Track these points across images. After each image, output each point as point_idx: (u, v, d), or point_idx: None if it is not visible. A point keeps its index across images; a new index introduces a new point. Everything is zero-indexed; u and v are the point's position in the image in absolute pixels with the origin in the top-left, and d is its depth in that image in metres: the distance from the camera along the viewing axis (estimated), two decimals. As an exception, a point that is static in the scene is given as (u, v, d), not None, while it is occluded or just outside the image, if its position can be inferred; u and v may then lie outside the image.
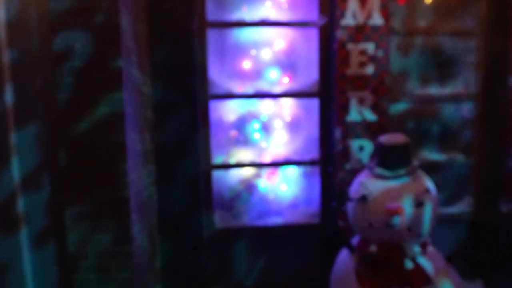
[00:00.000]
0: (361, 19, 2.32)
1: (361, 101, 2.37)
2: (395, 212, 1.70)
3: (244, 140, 2.57)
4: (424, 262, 1.81)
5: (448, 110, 2.65)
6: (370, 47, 2.34)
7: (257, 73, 2.53)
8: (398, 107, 2.56)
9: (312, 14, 2.45)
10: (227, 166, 2.51)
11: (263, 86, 2.50)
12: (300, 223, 2.53)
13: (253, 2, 2.46)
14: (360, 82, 2.36)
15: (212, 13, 2.40)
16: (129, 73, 1.72)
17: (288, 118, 2.61)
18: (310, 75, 2.51)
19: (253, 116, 2.58)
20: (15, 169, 1.64)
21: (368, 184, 1.85)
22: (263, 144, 2.58)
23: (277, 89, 2.50)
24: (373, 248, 1.84)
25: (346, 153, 2.39)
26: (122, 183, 1.61)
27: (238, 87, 2.49)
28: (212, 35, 2.43)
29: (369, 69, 2.36)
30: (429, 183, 1.88)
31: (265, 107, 2.58)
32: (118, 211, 1.63)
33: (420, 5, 2.53)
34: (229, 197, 2.58)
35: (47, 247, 1.71)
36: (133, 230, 1.69)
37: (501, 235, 2.58)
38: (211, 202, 2.47)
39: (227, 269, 2.50)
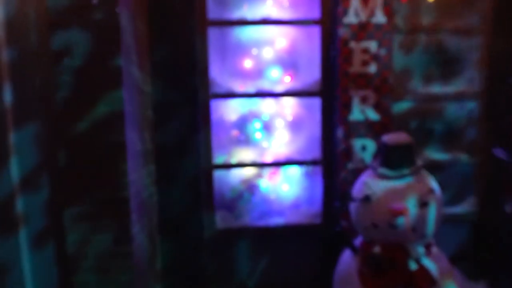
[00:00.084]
0: (363, 17, 2.30)
1: (363, 100, 2.35)
2: (399, 212, 1.67)
3: (245, 140, 2.56)
4: (428, 263, 1.79)
5: (451, 109, 2.63)
6: (372, 45, 2.32)
7: (258, 72, 2.51)
8: (401, 106, 2.53)
9: (314, 12, 2.42)
10: (228, 166, 2.49)
11: (265, 85, 2.48)
12: (302, 224, 2.51)
13: (254, 1, 2.44)
14: (363, 80, 2.34)
15: (213, 12, 2.38)
16: (129, 72, 1.70)
17: (289, 118, 2.59)
18: (312, 74, 2.49)
19: (255, 116, 2.56)
20: (14, 169, 1.63)
21: (372, 184, 1.82)
22: (264, 143, 2.56)
23: (279, 88, 2.48)
24: (376, 249, 1.81)
25: (348, 153, 2.36)
26: (122, 183, 1.59)
27: (239, 86, 2.46)
28: (213, 34, 2.41)
29: (372, 68, 2.33)
30: (433, 183, 1.86)
31: (266, 106, 2.56)
32: (118, 212, 1.61)
33: (423, 3, 2.50)
34: (230, 197, 2.56)
35: (46, 247, 1.70)
36: (133, 230, 1.67)
37: (506, 235, 2.55)
38: (212, 202, 2.45)
39: (228, 270, 2.48)
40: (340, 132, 2.36)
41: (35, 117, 1.66)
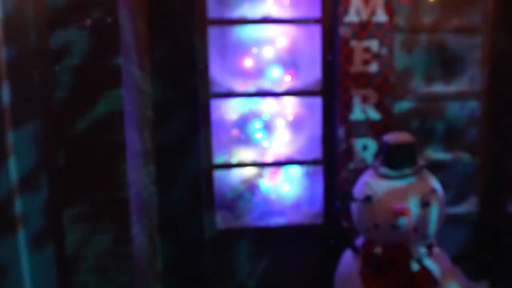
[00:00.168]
0: (364, 16, 2.28)
1: (364, 100, 2.34)
2: (401, 213, 1.66)
3: (245, 140, 2.54)
4: (430, 264, 1.77)
5: (453, 108, 2.61)
6: (374, 44, 2.30)
7: (259, 72, 2.50)
8: (402, 106, 2.52)
9: (315, 10, 2.41)
10: (228, 166, 2.48)
11: (265, 85, 2.46)
12: (303, 224, 2.50)
13: (255, -1, 2.43)
14: (364, 80, 2.32)
15: (213, 10, 2.36)
16: (129, 71, 1.68)
17: (290, 117, 2.57)
18: (313, 73, 2.48)
19: (255, 115, 2.54)
20: (13, 169, 1.61)
21: (373, 184, 1.81)
22: (265, 143, 2.55)
23: (279, 88, 2.47)
24: (378, 250, 1.80)
25: (349, 153, 2.35)
26: (121, 183, 1.58)
27: (239, 86, 2.45)
28: (213, 33, 2.40)
29: (373, 67, 2.32)
30: (435, 183, 1.84)
31: (267, 106, 2.55)
32: (117, 212, 1.60)
33: (424, 2, 2.49)
34: (231, 197, 2.55)
35: (45, 248, 1.68)
36: (133, 230, 1.66)
37: (507, 235, 2.54)
38: (213, 202, 2.44)
39: (228, 270, 2.47)
40: (341, 132, 2.35)
41: (34, 116, 1.64)
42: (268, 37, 2.49)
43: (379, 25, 2.30)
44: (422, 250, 1.79)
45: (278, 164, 2.50)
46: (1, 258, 1.57)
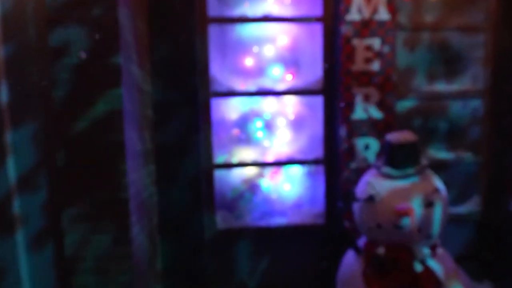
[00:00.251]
0: (366, 14, 2.26)
1: (366, 98, 2.32)
2: (405, 213, 1.64)
3: (246, 139, 2.52)
4: (433, 264, 1.75)
5: (455, 107, 2.60)
6: (376, 42, 2.28)
7: (259, 70, 2.48)
8: (405, 104, 2.50)
9: (316, 9, 2.39)
10: (229, 166, 2.46)
11: (266, 84, 2.45)
12: (304, 224, 2.48)
13: (255, -2, 2.41)
14: (366, 78, 2.30)
15: (213, 9, 2.35)
16: (128, 70, 1.67)
17: (291, 116, 2.55)
18: (314, 71, 2.46)
19: (256, 114, 2.53)
20: (11, 169, 1.60)
21: (375, 184, 1.79)
22: (266, 143, 2.53)
23: (280, 87, 2.45)
24: (380, 250, 1.78)
25: (351, 152, 2.33)
26: (121, 183, 1.56)
27: (240, 85, 2.43)
28: (213, 31, 2.38)
29: (375, 65, 2.30)
30: (438, 183, 1.82)
31: (268, 105, 2.53)
32: (117, 212, 1.58)
33: (427, 0, 2.47)
34: (231, 197, 2.54)
35: (44, 249, 1.67)
36: (133, 231, 1.64)
37: (510, 234, 2.52)
38: (213, 202, 2.42)
39: (229, 271, 2.45)
40: (342, 131, 2.33)
41: (32, 115, 1.63)
42: (269, 36, 2.47)
43: (381, 23, 2.28)
44: (426, 250, 1.77)
45: (279, 163, 2.48)
46: (0, 259, 1.55)
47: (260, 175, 2.56)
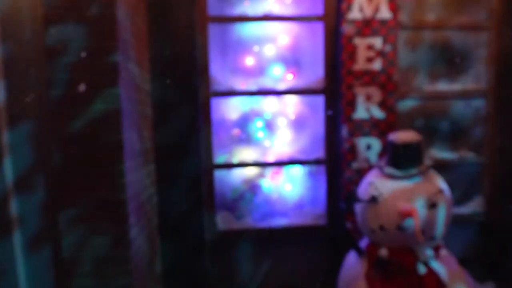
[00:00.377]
0: (368, 12, 2.24)
1: (368, 98, 2.29)
2: (409, 214, 1.61)
3: (247, 139, 2.50)
4: (437, 266, 1.73)
5: (458, 107, 2.57)
6: (377, 41, 2.26)
7: (260, 70, 2.46)
8: (406, 104, 2.48)
9: (317, 7, 2.37)
10: (229, 166, 2.44)
11: (267, 83, 2.42)
12: (305, 225, 2.45)
13: (256, -4, 2.39)
14: (368, 78, 2.28)
15: (213, 7, 2.32)
16: (127, 69, 1.64)
17: (292, 116, 2.53)
18: (315, 71, 2.44)
19: (256, 114, 2.50)
20: (8, 170, 1.57)
21: (378, 184, 1.76)
22: (266, 142, 2.51)
23: (281, 86, 2.42)
24: (383, 252, 1.75)
25: (353, 152, 2.30)
26: (119, 184, 1.53)
27: (240, 84, 2.41)
28: (213, 30, 2.35)
29: (377, 65, 2.27)
30: (442, 183, 1.79)
31: (268, 104, 2.50)
32: (115, 214, 1.55)
33: (428, -2, 2.45)
34: (232, 198, 2.51)
35: (41, 251, 1.64)
36: (132, 233, 1.61)
37: (513, 236, 2.50)
38: (213, 203, 2.39)
39: (230, 272, 2.43)
40: (344, 131, 2.30)
41: (29, 115, 1.60)
42: (270, 35, 2.45)
43: (383, 22, 2.25)
44: (429, 252, 1.74)
45: (280, 164, 2.46)
46: (-4, 261, 1.52)
47: (261, 176, 2.53)
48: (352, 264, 1.91)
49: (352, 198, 1.84)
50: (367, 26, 2.25)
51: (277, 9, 2.41)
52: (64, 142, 1.53)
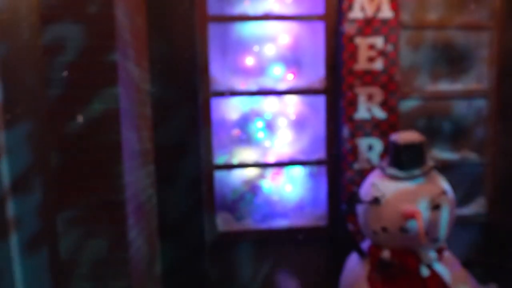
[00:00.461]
0: (369, 12, 2.22)
1: (369, 98, 2.27)
2: (412, 215, 1.58)
3: (247, 139, 2.48)
4: (440, 268, 1.70)
5: (460, 107, 2.55)
6: (379, 41, 2.24)
7: (260, 70, 2.44)
8: (408, 104, 2.46)
9: (318, 7, 2.35)
10: (229, 167, 2.41)
11: (267, 83, 2.40)
12: (306, 226, 2.43)
13: (256, -5, 2.37)
14: (369, 77, 2.26)
15: (213, 7, 2.30)
16: (126, 68, 1.62)
17: (293, 116, 2.51)
18: (316, 71, 2.42)
19: (257, 114, 2.48)
20: (5, 170, 1.55)
21: (380, 185, 1.74)
22: (267, 143, 2.49)
23: (282, 86, 2.40)
24: (385, 254, 1.73)
25: (354, 153, 2.28)
26: (117, 185, 1.51)
27: (240, 84, 2.39)
28: (213, 30, 2.33)
29: (378, 64, 2.25)
30: (445, 184, 1.77)
31: (269, 105, 2.48)
32: (114, 215, 1.53)
33: (430, -3, 2.43)
34: (232, 199, 2.49)
35: (39, 253, 1.62)
36: (130, 235, 1.59)
37: (516, 237, 2.48)
38: (213, 204, 2.37)
39: (230, 274, 2.40)
40: (345, 131, 2.28)
41: (26, 115, 1.58)
42: (270, 34, 2.43)
43: (385, 21, 2.23)
44: (432, 254, 1.71)
45: (280, 164, 2.44)
46: (-7, 264, 1.50)
47: (261, 176, 2.51)
48: (354, 266, 1.88)
49: (354, 199, 1.82)
50: (368, 26, 2.23)
51: (277, 9, 2.39)
52: (61, 142, 1.51)
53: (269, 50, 2.43)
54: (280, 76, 2.45)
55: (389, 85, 2.27)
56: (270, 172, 2.51)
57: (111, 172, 1.51)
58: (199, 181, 2.28)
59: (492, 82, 2.50)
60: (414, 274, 1.67)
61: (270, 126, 2.49)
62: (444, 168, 2.34)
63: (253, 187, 2.50)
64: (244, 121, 2.48)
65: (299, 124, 2.51)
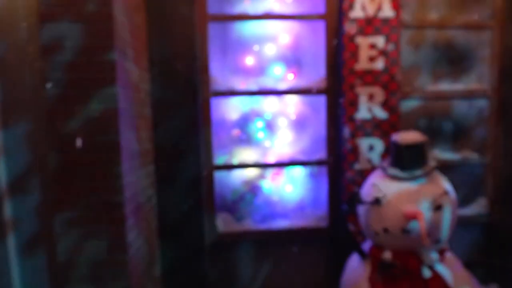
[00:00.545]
0: (370, 11, 2.21)
1: (370, 98, 2.26)
2: (414, 217, 1.57)
3: (247, 139, 2.47)
4: (442, 270, 1.69)
5: (461, 107, 2.54)
6: (380, 40, 2.23)
7: (260, 69, 2.43)
8: (409, 104, 2.45)
9: (319, 6, 2.33)
10: (229, 167, 2.40)
11: (267, 83, 2.39)
12: (306, 227, 2.42)
13: (256, -6, 2.35)
14: (370, 77, 2.24)
15: (213, 6, 2.29)
16: (124, 68, 1.60)
17: (293, 116, 2.50)
18: (317, 70, 2.40)
19: (257, 114, 2.47)
20: (2, 171, 1.53)
21: (382, 186, 1.72)
22: (267, 143, 2.47)
23: (282, 86, 2.39)
24: (387, 255, 1.71)
25: (355, 153, 2.27)
26: (116, 186, 1.49)
27: (240, 84, 2.37)
28: (213, 29, 2.32)
29: (379, 64, 2.24)
30: (447, 185, 1.76)
31: (269, 104, 2.47)
32: (112, 216, 1.51)
33: (431, -3, 2.42)
34: (232, 199, 2.47)
35: (36, 255, 1.60)
36: (129, 236, 1.57)
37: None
38: (213, 205, 2.36)
39: (230, 275, 2.39)
40: (346, 131, 2.27)
41: (24, 115, 1.56)
42: (270, 34, 2.42)
43: (386, 21, 2.22)
44: (434, 255, 1.70)
45: (280, 164, 2.42)
46: (-10, 265, 1.48)
47: (261, 177, 2.50)
48: (355, 268, 1.87)
49: (355, 199, 1.80)
50: (370, 25, 2.22)
51: (277, 8, 2.37)
52: (59, 143, 1.49)
53: (270, 50, 2.42)
54: (281, 76, 2.43)
55: (390, 85, 2.26)
56: (270, 172, 2.50)
57: (110, 172, 1.50)
58: (199, 182, 2.26)
59: (493, 82, 2.49)
60: (415, 275, 1.65)
61: (270, 126, 2.48)
62: (445, 168, 2.32)
63: (253, 188, 2.48)
64: (244, 121, 2.47)
65: (299, 124, 2.50)
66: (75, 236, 1.51)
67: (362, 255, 1.84)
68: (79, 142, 1.43)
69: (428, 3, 2.44)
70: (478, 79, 2.53)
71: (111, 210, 1.50)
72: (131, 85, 1.71)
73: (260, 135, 2.47)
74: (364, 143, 2.27)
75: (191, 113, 2.22)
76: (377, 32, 2.22)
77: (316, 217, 2.46)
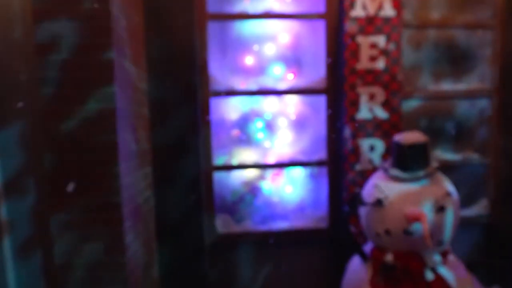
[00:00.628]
0: (371, 10, 2.19)
1: (371, 98, 2.23)
2: (416, 218, 1.55)
3: (247, 140, 2.44)
4: (445, 272, 1.66)
5: (462, 107, 2.52)
6: (381, 40, 2.20)
7: (260, 69, 2.40)
8: (410, 104, 2.43)
9: (319, 5, 2.31)
10: (229, 167, 2.37)
11: (267, 83, 2.36)
12: (307, 228, 2.39)
13: (256, -7, 2.33)
14: (371, 77, 2.22)
15: (212, 5, 2.27)
16: (122, 66, 1.57)
17: (293, 116, 2.47)
18: (317, 70, 2.38)
19: (256, 114, 2.44)
20: (-3, 172, 1.50)
21: (383, 187, 1.70)
22: (267, 143, 2.45)
23: (282, 86, 2.37)
24: (388, 257, 1.69)
25: (356, 153, 2.25)
26: (113, 187, 1.47)
27: (240, 84, 2.35)
28: (212, 28, 2.30)
29: (380, 64, 2.22)
30: (449, 186, 1.73)
31: (269, 104, 2.45)
32: (109, 218, 1.49)
33: (433, -4, 2.40)
34: (232, 200, 2.45)
35: (32, 257, 1.57)
36: (127, 238, 1.54)
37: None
38: (213, 206, 2.33)
39: (229, 277, 2.36)
40: (346, 132, 2.25)
41: (19, 115, 1.53)
42: (270, 33, 2.39)
43: (387, 20, 2.20)
44: (437, 257, 1.68)
45: (280, 165, 2.40)
46: (-15, 268, 1.45)
47: (261, 177, 2.47)
48: (356, 270, 1.84)
49: (356, 200, 1.78)
50: (370, 24, 2.20)
51: (277, 7, 2.35)
52: (55, 143, 1.46)
53: (269, 49, 2.40)
54: (280, 75, 2.41)
55: (391, 84, 2.24)
56: (270, 173, 2.47)
57: (107, 173, 1.47)
58: (198, 182, 2.24)
59: (495, 81, 2.47)
60: (418, 278, 1.63)
61: (270, 126, 2.45)
62: (447, 168, 2.30)
63: (253, 188, 2.46)
64: (244, 121, 2.44)
65: (299, 124, 2.47)
66: (72, 239, 1.48)
67: (364, 257, 1.82)
68: (70, 188, 1.41)
69: (430, 2, 2.42)
70: (480, 79, 2.51)
71: (108, 211, 1.47)
72: (129, 84, 1.69)
73: (260, 135, 2.45)
74: (365, 143, 2.24)
75: (190, 113, 2.19)
76: (378, 31, 2.20)
77: (316, 218, 2.44)
